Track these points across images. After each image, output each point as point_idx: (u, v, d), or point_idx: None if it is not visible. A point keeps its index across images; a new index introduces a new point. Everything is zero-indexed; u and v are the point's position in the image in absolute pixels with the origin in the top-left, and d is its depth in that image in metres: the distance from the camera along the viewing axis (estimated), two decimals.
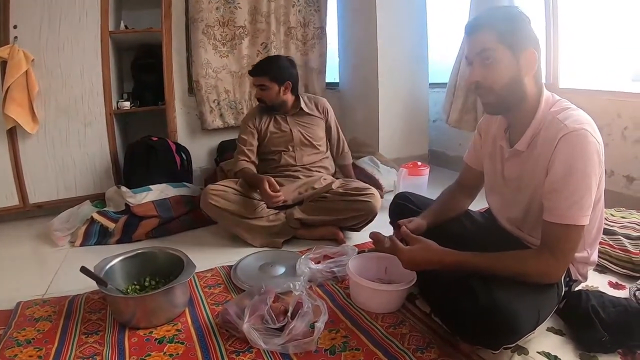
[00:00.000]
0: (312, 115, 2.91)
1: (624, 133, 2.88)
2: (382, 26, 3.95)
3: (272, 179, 2.57)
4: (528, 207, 1.58)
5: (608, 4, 3.10)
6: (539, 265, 1.42)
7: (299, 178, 2.78)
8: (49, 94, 3.00)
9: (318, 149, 2.91)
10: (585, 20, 3.24)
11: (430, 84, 4.32)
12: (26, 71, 2.80)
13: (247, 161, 2.79)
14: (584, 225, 1.39)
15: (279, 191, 2.54)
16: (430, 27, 4.18)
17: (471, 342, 1.49)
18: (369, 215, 2.59)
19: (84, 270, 1.73)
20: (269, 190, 2.49)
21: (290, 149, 2.85)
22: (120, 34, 3.30)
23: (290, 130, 2.84)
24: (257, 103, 2.89)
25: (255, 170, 2.78)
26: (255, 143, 2.84)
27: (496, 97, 1.51)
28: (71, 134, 3.12)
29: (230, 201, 2.60)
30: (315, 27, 4.18)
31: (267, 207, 2.64)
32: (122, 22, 3.34)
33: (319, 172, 2.87)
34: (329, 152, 3.02)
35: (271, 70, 2.72)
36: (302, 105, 2.87)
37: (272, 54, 3.92)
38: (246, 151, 2.80)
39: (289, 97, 2.83)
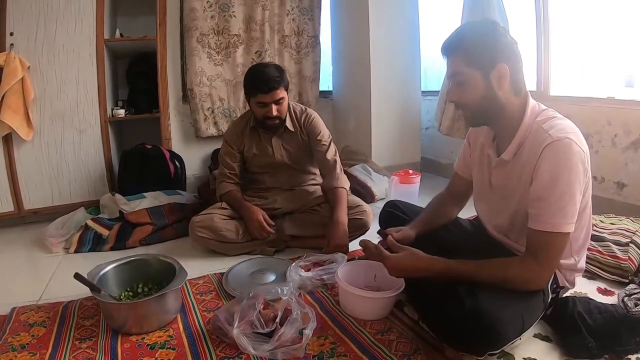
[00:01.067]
0: (296, 134, 2.71)
1: (614, 140, 2.91)
2: (375, 35, 3.98)
3: (266, 214, 2.55)
4: (514, 215, 1.61)
5: (600, 10, 3.12)
6: (523, 272, 1.45)
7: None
8: (44, 101, 3.01)
9: (304, 171, 2.84)
10: (577, 27, 3.25)
11: (422, 92, 4.35)
12: (22, 78, 2.82)
13: (232, 183, 2.72)
14: (568, 233, 1.42)
15: (273, 225, 2.52)
16: (422, 35, 4.20)
17: (456, 348, 1.51)
18: (361, 230, 2.58)
19: (77, 276, 1.74)
20: (264, 223, 2.48)
21: (275, 171, 2.76)
22: (115, 42, 3.32)
23: (274, 153, 2.70)
24: (240, 117, 2.81)
25: (240, 194, 2.71)
26: (238, 164, 2.75)
27: (471, 112, 1.58)
28: (66, 141, 3.13)
29: (218, 230, 2.52)
30: (309, 35, 4.20)
31: (252, 235, 2.54)
32: (117, 29, 3.36)
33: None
34: (316, 170, 2.87)
35: (283, 77, 2.52)
36: (288, 123, 2.67)
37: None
38: (229, 174, 2.72)
39: None
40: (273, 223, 2.53)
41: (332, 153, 2.70)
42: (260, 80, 2.47)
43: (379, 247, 1.70)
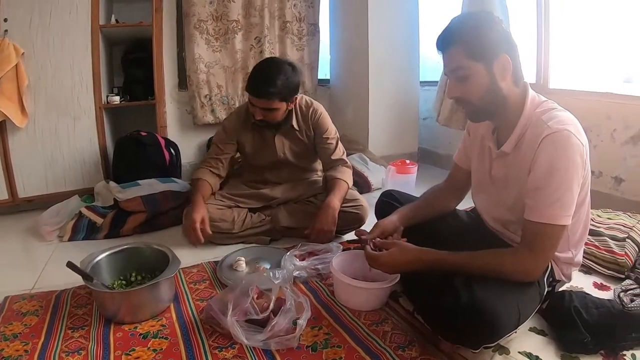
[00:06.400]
0: (301, 131, 2.61)
1: (613, 134, 2.90)
2: (374, 23, 3.96)
3: (207, 218, 2.36)
4: (514, 207, 1.59)
5: (600, 5, 3.10)
6: (517, 263, 1.44)
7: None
8: (38, 88, 2.97)
9: (307, 169, 2.79)
10: (578, 21, 3.24)
11: (421, 82, 4.34)
12: (16, 64, 2.78)
13: (211, 172, 2.59)
14: (564, 225, 1.41)
15: (202, 235, 2.32)
16: (422, 24, 4.19)
17: (451, 340, 1.50)
18: (356, 224, 2.53)
19: (70, 265, 1.73)
20: (198, 231, 2.30)
21: (276, 168, 2.69)
22: (110, 28, 3.28)
23: (276, 150, 2.62)
24: (243, 107, 2.65)
25: (212, 186, 2.58)
26: (230, 154, 2.65)
27: (476, 108, 1.54)
28: (60, 128, 3.10)
29: (212, 220, 2.45)
30: (309, 23, 4.18)
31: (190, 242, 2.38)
32: (112, 15, 3.32)
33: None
34: (318, 167, 2.83)
35: (282, 90, 2.32)
36: (293, 122, 2.56)
37: (266, 50, 3.92)
38: (214, 160, 2.62)
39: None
40: (210, 232, 2.36)
41: (339, 153, 2.64)
42: (253, 80, 2.36)
43: (366, 250, 1.70)
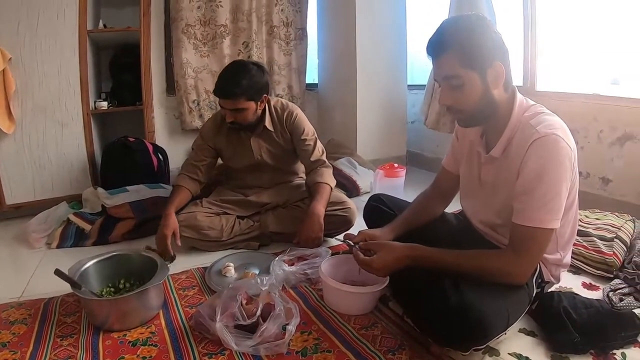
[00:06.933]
0: (276, 132, 2.60)
1: (599, 136, 2.92)
2: (362, 27, 3.97)
3: (178, 230, 2.33)
4: (502, 210, 1.59)
5: (587, 7, 3.12)
6: (503, 265, 1.45)
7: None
8: (25, 93, 2.95)
9: (288, 171, 2.79)
10: (564, 23, 3.26)
11: (408, 85, 4.36)
12: (3, 70, 2.76)
13: (190, 178, 2.58)
14: (552, 229, 1.41)
15: (172, 254, 2.27)
16: (409, 28, 4.20)
17: (441, 343, 1.50)
18: (345, 227, 2.53)
19: (58, 273, 1.72)
20: (169, 245, 2.25)
21: (256, 170, 2.68)
22: (98, 33, 3.26)
23: (253, 152, 2.60)
24: (219, 112, 2.60)
25: (191, 192, 2.56)
26: (207, 159, 2.63)
27: (468, 115, 1.53)
28: (48, 134, 3.08)
29: (201, 229, 2.47)
30: (296, 27, 4.18)
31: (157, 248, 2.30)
32: (100, 20, 3.31)
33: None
34: (299, 169, 2.84)
35: (248, 89, 2.33)
36: (267, 123, 2.54)
37: (254, 54, 3.92)
38: (191, 167, 2.61)
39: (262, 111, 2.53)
40: (180, 244, 2.34)
41: (318, 153, 2.62)
42: (219, 82, 2.38)
43: (357, 256, 1.69)
